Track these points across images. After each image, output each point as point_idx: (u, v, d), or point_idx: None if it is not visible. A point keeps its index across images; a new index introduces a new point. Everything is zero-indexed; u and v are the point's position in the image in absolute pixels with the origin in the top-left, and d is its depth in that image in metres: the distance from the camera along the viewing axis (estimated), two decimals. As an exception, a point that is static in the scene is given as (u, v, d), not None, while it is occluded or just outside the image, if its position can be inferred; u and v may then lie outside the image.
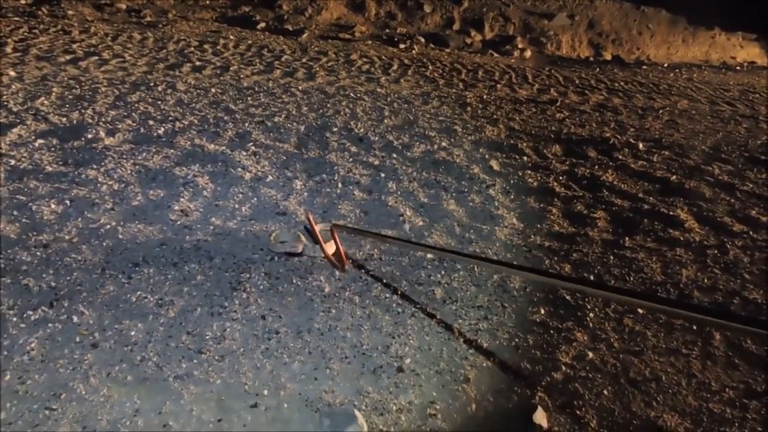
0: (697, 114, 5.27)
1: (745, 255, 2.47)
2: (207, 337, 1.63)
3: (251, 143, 3.14)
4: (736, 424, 1.53)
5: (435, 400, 1.49)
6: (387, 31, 9.02)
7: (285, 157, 2.99)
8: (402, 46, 7.97)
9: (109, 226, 2.12)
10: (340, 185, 2.72)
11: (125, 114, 3.40)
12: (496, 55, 8.69)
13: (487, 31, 9.63)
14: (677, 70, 8.45)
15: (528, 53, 9.27)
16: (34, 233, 2.01)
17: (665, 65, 9.08)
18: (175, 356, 1.54)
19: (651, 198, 2.99)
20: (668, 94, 6.14)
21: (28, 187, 2.32)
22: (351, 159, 3.08)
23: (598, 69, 7.58)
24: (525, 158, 3.43)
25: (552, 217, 2.66)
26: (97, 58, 4.78)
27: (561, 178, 3.17)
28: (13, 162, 2.53)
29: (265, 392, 1.46)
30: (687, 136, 4.37)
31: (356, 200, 2.59)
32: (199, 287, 1.84)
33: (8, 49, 4.75)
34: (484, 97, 5.00)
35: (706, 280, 2.24)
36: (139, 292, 1.78)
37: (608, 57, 10.14)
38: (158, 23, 7.45)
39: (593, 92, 5.82)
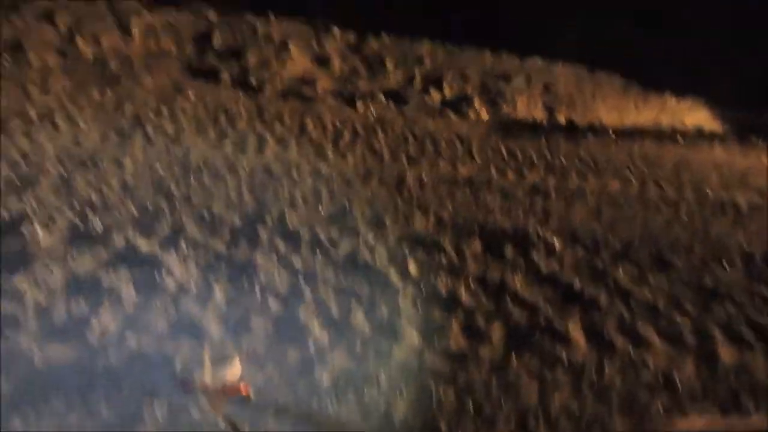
0: (624, 198, 5.67)
1: (619, 376, 2.75)
2: (98, 481, 1.80)
3: (183, 241, 3.34)
4: None
5: None
6: (349, 86, 9.36)
7: (213, 259, 3.20)
8: (360, 105, 8.30)
9: (27, 349, 2.29)
10: (258, 295, 2.93)
11: (66, 202, 3.57)
12: (452, 115, 9.10)
13: (447, 90, 10.07)
14: (619, 142, 8.95)
15: (484, 113, 9.72)
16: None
17: (612, 134, 9.59)
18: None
19: (549, 309, 3.28)
20: (602, 174, 6.56)
21: (-45, 301, 2.48)
22: (276, 261, 3.30)
23: (544, 139, 8.01)
24: (443, 258, 3.70)
25: (451, 331, 2.92)
26: (50, 125, 4.95)
27: (471, 284, 3.44)
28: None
29: None
30: (605, 227, 4.73)
31: (270, 314, 2.80)
32: (101, 421, 2.02)
33: (-38, 114, 4.88)
34: (423, 176, 5.31)
35: (575, 407, 2.51)
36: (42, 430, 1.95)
37: (561, 120, 10.67)
38: (121, 75, 7.63)
39: (531, 171, 6.20)
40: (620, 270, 3.91)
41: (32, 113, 5.18)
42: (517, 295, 3.39)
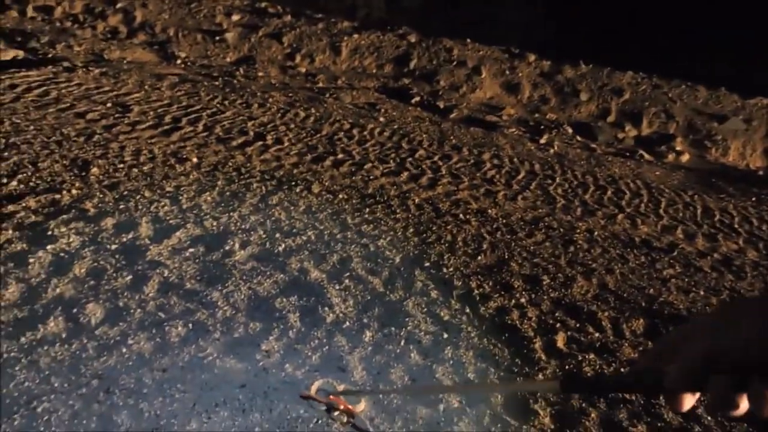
0: None
1: None
2: (242, 495, 2.17)
3: (347, 273, 3.71)
4: None
5: None
6: (536, 116, 9.19)
7: (369, 298, 3.50)
8: (544, 138, 8.11)
9: (210, 358, 2.79)
10: (402, 343, 3.14)
11: (261, 221, 4.19)
12: (646, 156, 8.41)
13: (645, 126, 9.32)
14: None
15: (686, 157, 8.82)
16: (160, 355, 2.75)
17: None
18: (215, 508, 2.10)
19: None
20: (824, 252, 5.54)
21: (169, 304, 3.11)
22: (425, 309, 3.49)
23: (754, 198, 6.99)
24: (597, 335, 3.53)
25: (587, 423, 2.81)
26: (261, 143, 5.77)
27: (622, 369, 3.24)
28: (166, 273, 3.37)
29: None
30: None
31: (410, 365, 3.00)
32: (253, 439, 2.41)
33: (200, 126, 5.94)
34: (596, 233, 5.05)
35: None
36: (210, 435, 2.39)
37: (785, 170, 9.19)
38: (327, 91, 8.51)
39: (728, 238, 5.50)
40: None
41: (250, 130, 6.10)
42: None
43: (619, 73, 9.95)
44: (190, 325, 2.99)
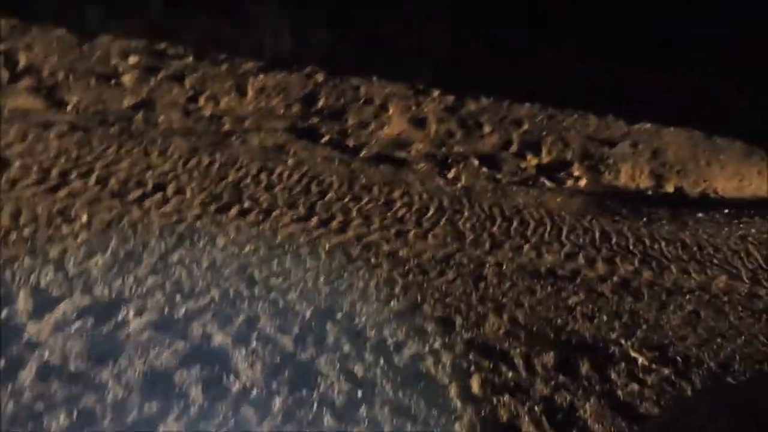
0: (729, 301, 5.15)
1: None
2: None
3: (255, 334, 3.52)
4: None
5: None
6: (443, 150, 9.44)
7: (278, 359, 3.33)
8: (452, 173, 8.32)
9: (98, 451, 2.52)
10: (315, 407, 3.00)
11: (160, 283, 3.91)
12: (547, 183, 8.85)
13: (544, 155, 9.82)
14: (735, 222, 8.17)
15: (583, 182, 9.34)
16: (37, 455, 2.44)
17: (726, 211, 8.79)
18: None
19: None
20: (707, 266, 6.01)
21: (49, 392, 2.79)
22: (338, 365, 3.37)
23: (645, 219, 7.51)
24: (510, 374, 3.57)
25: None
26: (161, 195, 5.46)
27: (536, 408, 3.28)
28: (46, 354, 3.04)
29: None
30: (701, 341, 4.31)
31: (323, 431, 2.86)
32: None
33: (91, 180, 5.54)
34: (504, 266, 5.17)
35: None
36: None
37: (670, 189, 9.98)
38: (233, 134, 8.29)
39: (624, 260, 5.83)
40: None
41: (149, 181, 5.77)
42: (586, 428, 3.18)
43: (517, 105, 10.49)
44: (74, 412, 2.69)
